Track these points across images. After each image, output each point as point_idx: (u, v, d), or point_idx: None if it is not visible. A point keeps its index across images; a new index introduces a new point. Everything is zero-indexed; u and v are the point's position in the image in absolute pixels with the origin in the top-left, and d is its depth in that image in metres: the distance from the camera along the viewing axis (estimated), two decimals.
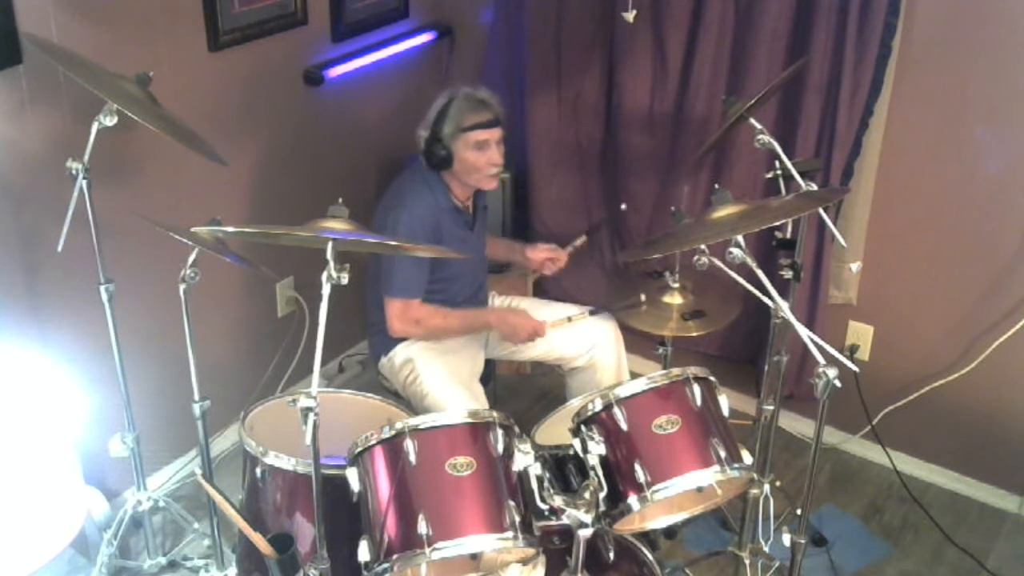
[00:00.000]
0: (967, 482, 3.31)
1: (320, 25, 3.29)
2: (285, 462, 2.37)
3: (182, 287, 2.42)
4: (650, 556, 2.46)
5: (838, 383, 1.95)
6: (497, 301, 3.17)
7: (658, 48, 3.25)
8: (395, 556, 2.00)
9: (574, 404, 2.37)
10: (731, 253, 2.12)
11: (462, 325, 2.94)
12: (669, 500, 2.14)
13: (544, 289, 3.62)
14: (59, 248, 2.42)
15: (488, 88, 2.88)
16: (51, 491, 1.45)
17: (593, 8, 3.33)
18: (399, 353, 2.93)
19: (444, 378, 2.84)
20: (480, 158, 2.80)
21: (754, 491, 2.71)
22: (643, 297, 2.79)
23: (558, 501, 2.08)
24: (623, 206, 3.40)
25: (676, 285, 2.80)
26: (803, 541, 2.29)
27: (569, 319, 2.96)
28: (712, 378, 2.28)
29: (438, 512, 2.01)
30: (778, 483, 2.97)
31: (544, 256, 3.12)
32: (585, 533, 2.08)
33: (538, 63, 3.47)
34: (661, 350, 2.90)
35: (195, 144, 2.52)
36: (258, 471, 2.43)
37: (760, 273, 2.10)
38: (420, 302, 2.83)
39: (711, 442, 2.15)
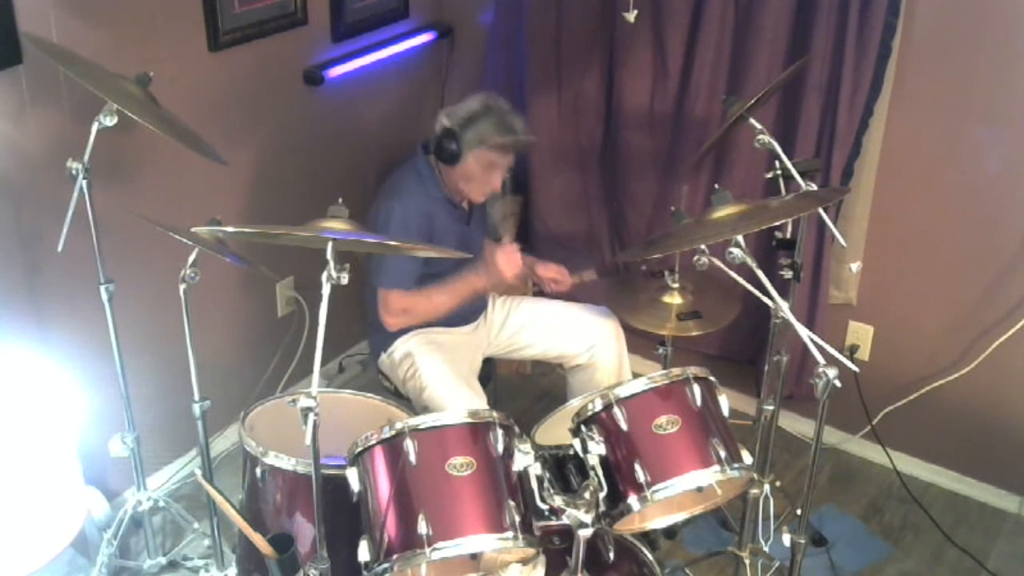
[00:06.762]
0: (967, 482, 3.31)
1: (320, 25, 3.29)
2: (285, 462, 2.37)
3: (182, 287, 2.42)
4: (650, 556, 2.46)
5: (838, 383, 1.94)
6: (498, 303, 3.17)
7: (658, 48, 3.25)
8: (395, 556, 2.00)
9: (574, 404, 2.37)
10: (731, 253, 2.11)
11: (451, 297, 2.86)
12: (669, 500, 2.14)
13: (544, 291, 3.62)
14: (59, 248, 2.42)
15: (488, 88, 2.87)
16: (51, 491, 1.45)
17: (593, 8, 3.33)
18: (399, 348, 2.93)
19: (443, 372, 2.84)
20: (482, 177, 2.81)
21: (754, 491, 2.71)
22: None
23: (558, 501, 2.08)
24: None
25: (676, 285, 2.80)
26: (803, 541, 2.29)
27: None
28: (712, 378, 2.28)
29: (438, 512, 2.01)
30: (778, 483, 2.97)
31: (551, 275, 3.11)
32: (585, 533, 2.08)
33: (538, 63, 3.46)
34: (661, 350, 2.89)
35: (195, 144, 2.52)
36: (258, 471, 2.43)
37: (760, 273, 2.10)
38: (405, 292, 2.82)
39: (711, 442, 2.15)
